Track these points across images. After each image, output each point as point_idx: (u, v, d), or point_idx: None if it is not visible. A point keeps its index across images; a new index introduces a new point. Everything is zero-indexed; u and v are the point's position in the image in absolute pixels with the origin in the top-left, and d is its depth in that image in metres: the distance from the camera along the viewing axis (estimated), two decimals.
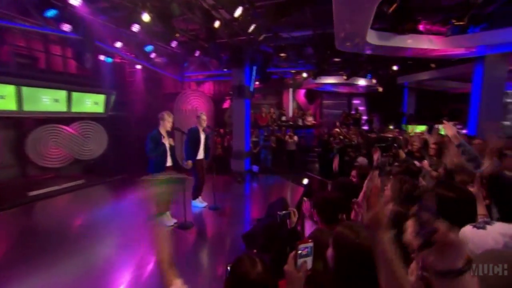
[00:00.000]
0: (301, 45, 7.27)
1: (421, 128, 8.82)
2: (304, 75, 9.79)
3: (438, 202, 1.57)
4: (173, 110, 8.34)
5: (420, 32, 4.63)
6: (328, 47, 6.55)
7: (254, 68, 8.03)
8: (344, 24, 3.75)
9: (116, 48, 6.40)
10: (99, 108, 7.97)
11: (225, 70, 9.08)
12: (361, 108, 12.58)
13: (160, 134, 4.26)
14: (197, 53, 6.71)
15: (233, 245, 4.26)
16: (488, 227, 1.20)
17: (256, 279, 1.07)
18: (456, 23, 4.14)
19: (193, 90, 9.01)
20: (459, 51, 5.37)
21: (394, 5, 3.45)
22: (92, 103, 7.79)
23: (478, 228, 1.21)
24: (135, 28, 5.04)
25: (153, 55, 6.93)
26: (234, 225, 5.00)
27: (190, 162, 4.96)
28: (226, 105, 10.63)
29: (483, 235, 1.17)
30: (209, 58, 7.40)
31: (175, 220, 4.62)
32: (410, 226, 0.63)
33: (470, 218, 1.50)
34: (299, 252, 1.06)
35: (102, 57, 7.28)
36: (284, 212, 1.99)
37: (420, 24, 4.52)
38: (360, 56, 7.55)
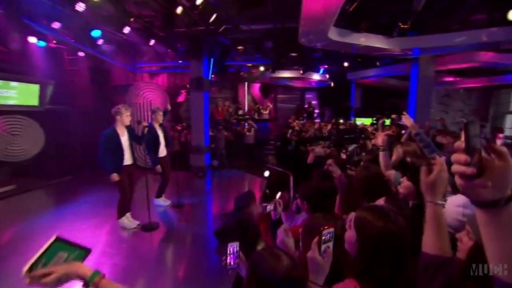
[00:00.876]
0: (260, 39, 7.30)
1: (368, 121, 9.75)
2: (261, 69, 9.89)
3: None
4: (125, 103, 7.65)
5: (372, 32, 5.10)
6: (287, 41, 6.71)
7: (212, 60, 7.82)
8: (310, 21, 3.89)
9: (53, 29, 5.50)
10: (32, 101, 6.83)
11: (181, 61, 8.64)
12: (313, 102, 13.29)
13: (116, 133, 3.85)
14: (152, 42, 6.22)
15: (205, 242, 4.16)
16: (449, 199, 1.35)
17: (286, 273, 0.97)
18: (402, 26, 4.66)
19: (147, 82, 8.34)
20: (400, 51, 6.06)
21: (355, 4, 3.72)
22: (21, 94, 6.62)
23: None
24: (80, 7, 4.42)
25: (100, 42, 6.17)
26: (202, 222, 4.88)
27: (159, 166, 4.65)
28: (181, 98, 10.15)
29: (445, 211, 1.35)
30: (165, 48, 6.91)
31: (137, 222, 4.29)
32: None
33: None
34: (323, 238, 1.05)
35: (33, 40, 6.23)
36: (270, 203, 1.98)
37: (369, 25, 4.95)
38: (316, 51, 7.94)
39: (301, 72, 9.20)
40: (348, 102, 12.28)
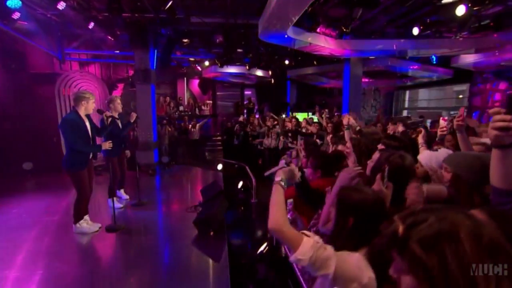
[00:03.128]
0: (210, 32, 7.25)
1: (303, 116, 10.78)
2: (206, 63, 9.77)
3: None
4: (53, 95, 6.48)
5: (318, 33, 5.77)
6: (239, 36, 6.89)
7: (156, 51, 7.37)
8: (274, 19, 4.20)
9: None
10: None
11: (119, 51, 7.82)
12: (252, 98, 13.79)
13: (81, 117, 3.38)
14: (91, 25, 5.47)
15: (183, 234, 4.02)
16: (439, 150, 1.96)
17: (374, 198, 1.18)
18: (345, 30, 5.46)
19: (81, 71, 7.17)
20: (337, 51, 7.01)
21: (312, 7, 4.21)
22: None
23: (433, 151, 1.99)
24: None
25: (16, 15, 5.01)
26: (172, 217, 4.70)
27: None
28: (117, 92, 9.14)
29: (437, 154, 1.92)
30: (103, 34, 6.15)
31: (99, 224, 3.82)
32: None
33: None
34: (385, 174, 1.35)
35: None
36: (292, 150, 2.09)
37: (318, 26, 5.61)
38: (259, 48, 8.34)
39: (247, 67, 9.51)
40: (284, 99, 13.24)
